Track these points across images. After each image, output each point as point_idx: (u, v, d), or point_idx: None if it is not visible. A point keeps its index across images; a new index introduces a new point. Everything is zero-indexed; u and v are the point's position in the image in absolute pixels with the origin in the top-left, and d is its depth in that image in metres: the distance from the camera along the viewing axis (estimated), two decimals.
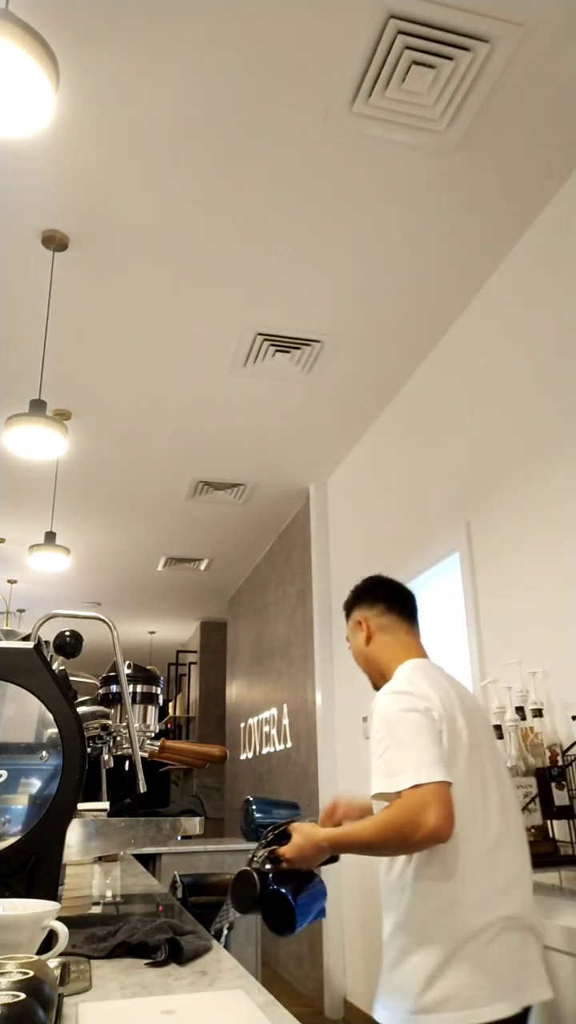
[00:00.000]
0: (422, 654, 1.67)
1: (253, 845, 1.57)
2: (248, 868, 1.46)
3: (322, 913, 1.50)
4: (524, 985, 1.34)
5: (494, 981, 1.31)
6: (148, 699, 1.94)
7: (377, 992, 1.43)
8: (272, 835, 1.53)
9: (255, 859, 1.49)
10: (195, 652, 9.47)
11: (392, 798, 1.38)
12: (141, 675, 1.94)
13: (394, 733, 1.44)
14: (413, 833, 1.33)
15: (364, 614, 1.76)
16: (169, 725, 9.67)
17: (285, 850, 1.49)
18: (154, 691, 1.95)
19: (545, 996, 1.38)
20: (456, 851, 1.38)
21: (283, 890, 1.41)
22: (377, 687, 1.65)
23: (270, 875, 1.45)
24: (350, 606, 1.81)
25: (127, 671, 1.87)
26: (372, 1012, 1.42)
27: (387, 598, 1.76)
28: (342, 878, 4.15)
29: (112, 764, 1.89)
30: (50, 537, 4.48)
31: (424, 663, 1.62)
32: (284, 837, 1.52)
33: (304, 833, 1.51)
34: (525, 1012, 1.33)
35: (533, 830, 2.12)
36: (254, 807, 1.66)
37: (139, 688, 1.92)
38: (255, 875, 1.44)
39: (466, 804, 1.42)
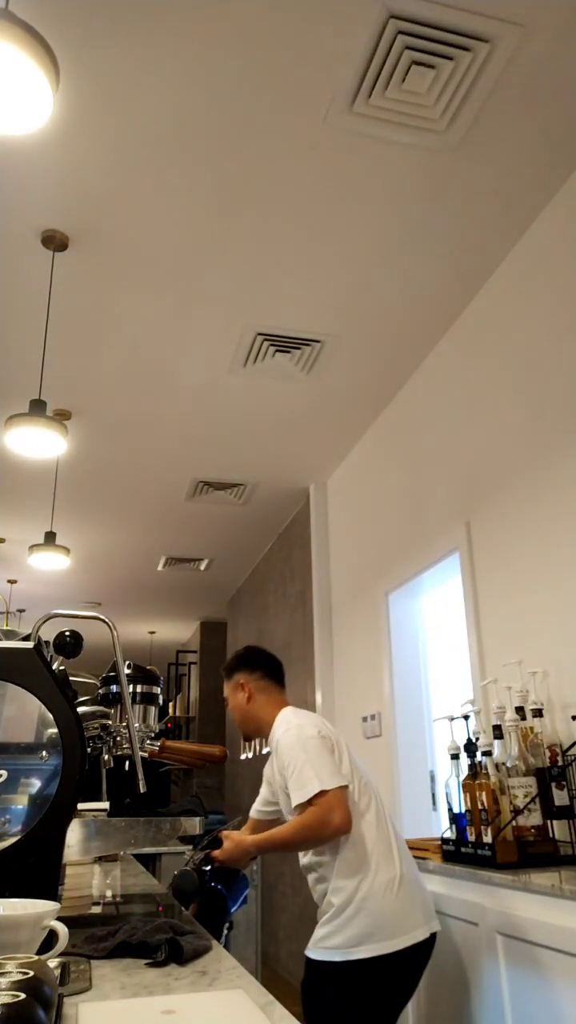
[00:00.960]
0: (284, 705, 2.13)
1: None
2: (188, 868, 1.79)
3: (245, 901, 1.89)
4: (414, 925, 1.82)
5: (391, 923, 1.80)
6: (148, 699, 1.94)
7: (314, 935, 1.86)
8: (207, 840, 1.88)
9: (192, 860, 1.82)
10: (195, 652, 9.47)
11: (305, 806, 1.81)
12: (141, 675, 1.94)
13: (297, 756, 1.87)
14: (323, 830, 1.80)
15: (245, 678, 2.17)
16: (169, 725, 9.66)
17: (218, 854, 1.86)
18: (154, 691, 1.95)
19: (435, 928, 1.87)
20: (354, 836, 1.85)
21: (219, 886, 1.77)
22: (249, 738, 2.27)
23: (207, 874, 1.79)
24: (232, 670, 2.20)
25: (127, 671, 1.87)
26: (307, 950, 1.87)
27: (265, 665, 2.21)
28: None
29: (112, 764, 1.89)
30: (50, 537, 4.48)
31: (295, 708, 2.10)
32: (216, 842, 1.88)
33: (234, 840, 1.90)
34: (417, 944, 1.81)
35: (533, 830, 2.12)
36: None
37: (139, 688, 1.92)
38: (195, 874, 1.76)
39: (352, 798, 1.89)
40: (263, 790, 2.21)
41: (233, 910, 1.77)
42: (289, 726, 1.97)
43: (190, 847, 1.91)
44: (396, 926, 1.81)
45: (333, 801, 1.80)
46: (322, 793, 1.80)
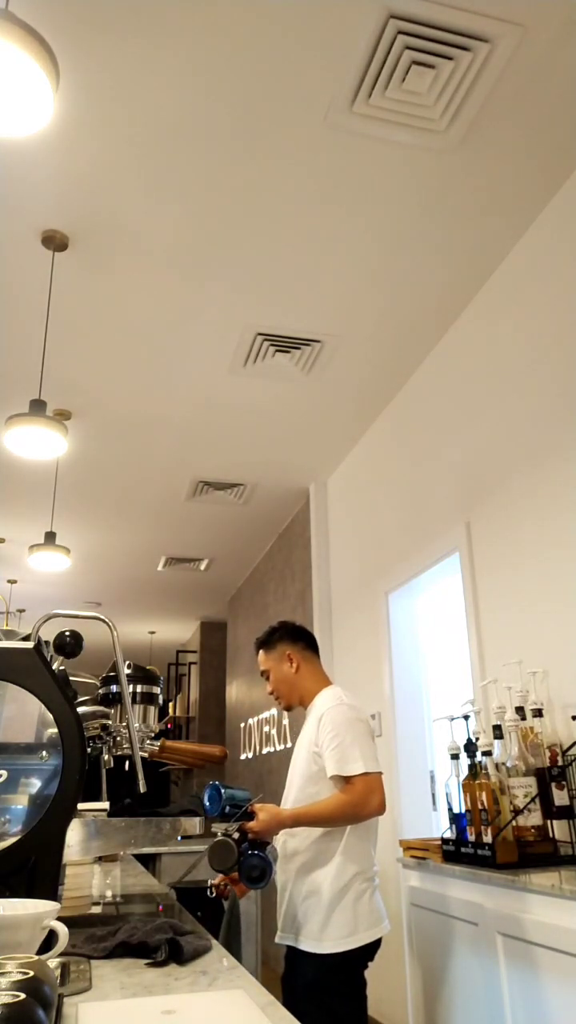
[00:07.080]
0: (331, 682, 2.20)
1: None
2: (225, 838, 1.81)
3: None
4: (384, 913, 1.95)
5: (376, 911, 1.91)
6: (148, 699, 1.94)
7: (310, 929, 1.88)
8: (239, 813, 1.92)
9: (228, 831, 1.86)
10: (195, 652, 9.47)
11: (341, 781, 1.90)
12: (141, 675, 1.94)
13: (345, 733, 1.94)
14: (363, 809, 1.87)
15: (290, 649, 2.21)
16: (169, 725, 9.66)
17: (253, 825, 1.87)
18: (154, 691, 1.95)
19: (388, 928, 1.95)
20: (363, 828, 1.94)
21: (259, 853, 1.81)
22: (290, 708, 2.20)
23: (245, 844, 1.83)
24: (275, 643, 2.23)
25: (127, 671, 1.87)
26: (301, 945, 1.89)
27: (304, 638, 2.25)
28: None
29: (112, 764, 1.89)
30: (50, 537, 4.48)
31: (341, 688, 2.14)
32: (248, 815, 1.90)
33: (270, 812, 1.90)
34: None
35: (533, 830, 2.12)
36: (223, 791, 1.96)
37: (139, 688, 1.92)
38: (232, 843, 1.80)
39: None
40: None
41: (271, 876, 1.83)
42: (341, 702, 2.04)
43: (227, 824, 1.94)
44: (382, 912, 1.94)
45: (374, 783, 1.88)
46: (364, 775, 1.88)
